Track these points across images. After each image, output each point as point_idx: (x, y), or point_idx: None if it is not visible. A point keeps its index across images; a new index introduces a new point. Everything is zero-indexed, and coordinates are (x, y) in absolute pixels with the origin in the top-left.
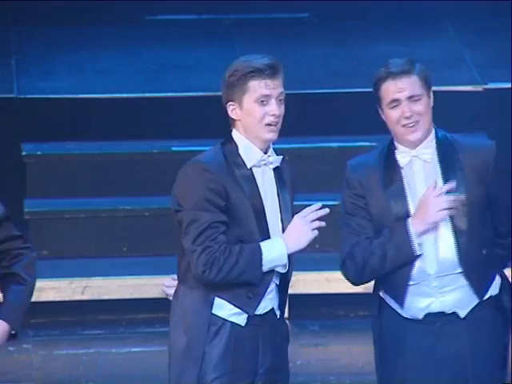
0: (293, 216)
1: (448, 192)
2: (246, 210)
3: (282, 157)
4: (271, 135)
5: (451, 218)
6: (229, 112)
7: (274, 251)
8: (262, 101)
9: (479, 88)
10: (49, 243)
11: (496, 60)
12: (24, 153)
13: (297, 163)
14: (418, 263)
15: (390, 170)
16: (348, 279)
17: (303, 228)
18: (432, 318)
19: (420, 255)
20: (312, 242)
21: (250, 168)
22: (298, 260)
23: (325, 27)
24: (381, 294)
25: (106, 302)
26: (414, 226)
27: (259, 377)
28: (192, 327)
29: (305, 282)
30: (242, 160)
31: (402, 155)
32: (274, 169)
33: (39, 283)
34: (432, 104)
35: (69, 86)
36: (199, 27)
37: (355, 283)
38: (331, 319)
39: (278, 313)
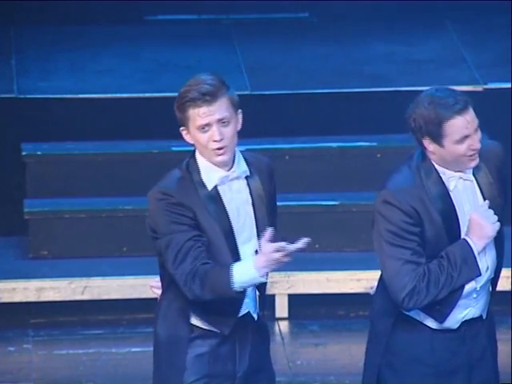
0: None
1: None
2: (214, 231)
3: (247, 169)
4: (219, 158)
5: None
6: (183, 136)
7: (244, 276)
8: (203, 128)
9: (479, 88)
10: (49, 243)
11: (496, 60)
12: (24, 153)
13: (297, 163)
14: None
15: (439, 194)
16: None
17: (272, 259)
18: (461, 324)
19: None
20: (312, 242)
21: (215, 187)
22: (298, 260)
23: (325, 27)
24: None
25: (106, 302)
26: (474, 244)
27: (238, 380)
28: (172, 339)
29: (305, 282)
30: (204, 181)
31: (452, 178)
32: (250, 177)
33: (39, 283)
34: None
35: (69, 86)
36: (199, 27)
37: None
38: (331, 319)
39: (255, 316)
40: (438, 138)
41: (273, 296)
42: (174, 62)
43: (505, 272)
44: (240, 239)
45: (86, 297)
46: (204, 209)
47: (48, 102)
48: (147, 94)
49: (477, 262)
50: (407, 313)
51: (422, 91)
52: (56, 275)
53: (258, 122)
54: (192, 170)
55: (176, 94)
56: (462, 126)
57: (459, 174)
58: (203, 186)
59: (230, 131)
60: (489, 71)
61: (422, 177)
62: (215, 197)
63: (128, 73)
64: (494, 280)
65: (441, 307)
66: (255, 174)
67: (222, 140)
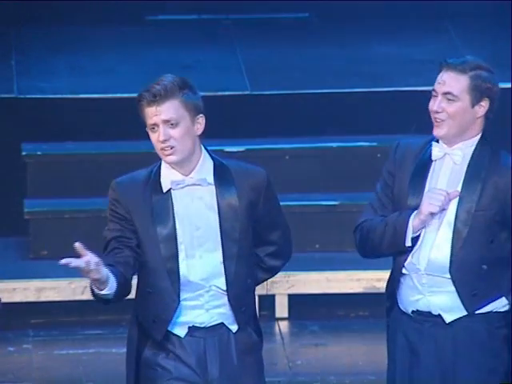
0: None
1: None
2: (149, 234)
3: (207, 177)
4: (168, 158)
5: (455, 224)
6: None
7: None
8: (152, 128)
9: None
10: (49, 243)
11: (496, 60)
12: (24, 153)
13: (297, 163)
14: (411, 256)
15: (422, 160)
16: (356, 249)
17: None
18: (421, 316)
19: (411, 248)
20: (312, 242)
21: (167, 192)
22: (298, 260)
23: (325, 27)
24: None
25: None
26: (413, 219)
27: None
28: (129, 337)
29: (305, 282)
30: (160, 183)
31: (437, 149)
32: (221, 186)
33: (39, 283)
34: (472, 109)
35: (69, 86)
36: (199, 27)
37: (360, 255)
38: (331, 319)
39: (233, 327)
40: None
41: (273, 296)
42: (174, 61)
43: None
44: (201, 249)
45: (85, 297)
46: (147, 212)
47: (48, 102)
48: None
49: (405, 234)
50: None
51: (422, 91)
52: (56, 275)
53: (258, 122)
54: (156, 171)
55: None
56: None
57: (446, 148)
58: (158, 188)
59: (177, 132)
60: None
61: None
62: (164, 200)
63: (128, 73)
64: (473, 296)
65: (393, 274)
66: (231, 185)
67: (165, 141)
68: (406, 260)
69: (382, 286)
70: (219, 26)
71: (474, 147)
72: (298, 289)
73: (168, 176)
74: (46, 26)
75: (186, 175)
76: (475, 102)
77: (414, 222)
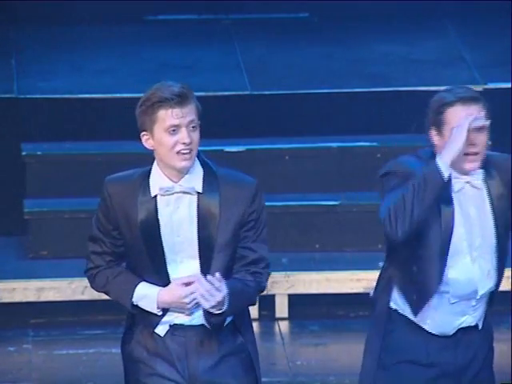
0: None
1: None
2: (134, 238)
3: (195, 186)
4: (184, 163)
5: (497, 237)
6: (143, 142)
7: (143, 301)
8: (173, 130)
9: (479, 88)
10: (49, 243)
11: (496, 60)
12: (24, 153)
13: (297, 163)
14: (467, 285)
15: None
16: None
17: (181, 297)
18: (457, 331)
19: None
20: (312, 242)
21: (154, 197)
22: (298, 260)
23: (325, 27)
24: (393, 305)
25: (106, 302)
26: (441, 158)
27: None
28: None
29: (305, 282)
30: (149, 187)
31: (456, 180)
32: (205, 195)
33: (39, 283)
34: None
35: (69, 86)
36: (199, 27)
37: (394, 234)
38: (331, 319)
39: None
40: (440, 126)
41: (273, 296)
42: (173, 61)
43: (505, 272)
44: (181, 255)
45: (85, 297)
46: (133, 215)
47: (48, 102)
48: None
49: (440, 170)
50: (403, 313)
51: (422, 91)
52: (56, 275)
53: (258, 121)
54: (147, 175)
55: None
56: (462, 116)
57: (466, 177)
58: (145, 192)
59: (196, 136)
60: (489, 71)
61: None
62: (150, 206)
63: (128, 73)
64: (494, 293)
65: (417, 299)
66: (215, 193)
67: (190, 144)
68: (440, 280)
69: None
70: (219, 26)
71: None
72: (298, 289)
73: (157, 181)
74: (46, 26)
75: (176, 182)
76: None
77: (443, 159)
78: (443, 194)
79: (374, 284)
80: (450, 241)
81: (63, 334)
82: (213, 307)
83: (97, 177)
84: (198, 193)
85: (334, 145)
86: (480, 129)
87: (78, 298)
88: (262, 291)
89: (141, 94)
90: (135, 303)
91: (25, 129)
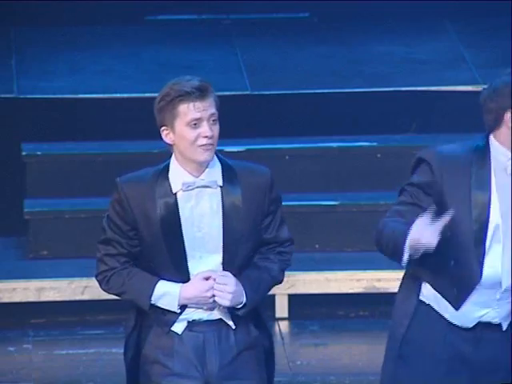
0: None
1: None
2: (153, 237)
3: (217, 179)
4: (205, 156)
5: None
6: (163, 137)
7: (164, 300)
8: (194, 124)
9: (479, 88)
10: (49, 243)
11: (496, 60)
12: (24, 153)
13: (297, 163)
14: (490, 271)
15: (481, 174)
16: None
17: (204, 291)
18: (477, 325)
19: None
20: (312, 242)
21: (175, 193)
22: (298, 260)
23: (325, 27)
24: (422, 298)
25: (106, 302)
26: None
27: None
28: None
29: (305, 282)
30: (169, 184)
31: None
32: (227, 188)
33: (39, 283)
34: None
35: (69, 86)
36: (199, 27)
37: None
38: (331, 319)
39: (232, 323)
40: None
41: (273, 296)
42: (174, 61)
43: None
44: (201, 250)
45: (85, 297)
46: (153, 214)
47: (48, 102)
48: (147, 94)
49: (404, 251)
50: (438, 310)
51: (422, 91)
52: (56, 275)
53: (258, 121)
54: (164, 172)
55: None
56: None
57: None
58: (164, 190)
59: (216, 130)
60: (489, 71)
61: (474, 159)
62: (170, 203)
63: (128, 73)
64: None
65: (458, 292)
66: (236, 185)
67: (212, 137)
68: (481, 275)
69: (381, 285)
70: (219, 26)
71: None
72: (298, 289)
73: (178, 177)
74: (46, 26)
75: (197, 176)
76: None
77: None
78: (480, 181)
79: (375, 284)
80: (486, 229)
81: (63, 334)
82: (231, 304)
83: (97, 177)
84: (220, 186)
85: (334, 145)
86: None
87: (77, 298)
88: (288, 267)
89: (141, 94)
90: (153, 302)
91: (25, 129)
